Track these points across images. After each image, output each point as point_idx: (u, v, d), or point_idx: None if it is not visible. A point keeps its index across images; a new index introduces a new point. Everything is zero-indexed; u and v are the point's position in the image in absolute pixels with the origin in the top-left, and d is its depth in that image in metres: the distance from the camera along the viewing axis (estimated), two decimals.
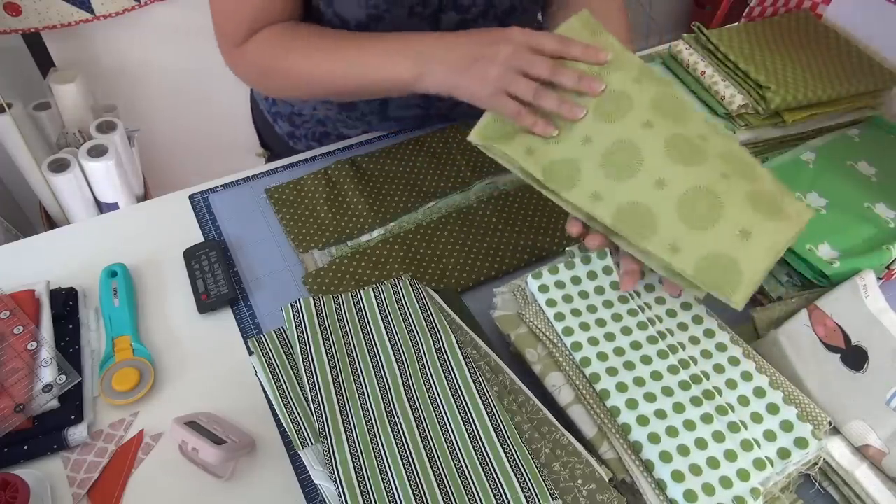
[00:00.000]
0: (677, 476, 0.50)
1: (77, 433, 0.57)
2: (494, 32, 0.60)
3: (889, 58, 0.86)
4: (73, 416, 0.57)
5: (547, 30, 0.80)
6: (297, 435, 0.52)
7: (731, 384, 0.56)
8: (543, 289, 0.61)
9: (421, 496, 0.48)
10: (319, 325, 0.58)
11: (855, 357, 0.59)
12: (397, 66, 0.62)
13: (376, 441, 0.51)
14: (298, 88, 0.73)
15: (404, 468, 0.49)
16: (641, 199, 0.54)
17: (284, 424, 0.53)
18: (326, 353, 0.56)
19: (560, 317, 0.59)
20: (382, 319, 0.59)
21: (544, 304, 0.60)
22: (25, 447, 0.55)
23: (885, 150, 0.79)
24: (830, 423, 0.55)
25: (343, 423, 0.52)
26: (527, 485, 0.48)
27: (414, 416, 0.53)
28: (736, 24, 0.94)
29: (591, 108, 0.58)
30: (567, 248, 0.66)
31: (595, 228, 0.56)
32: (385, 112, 0.84)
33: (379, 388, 0.54)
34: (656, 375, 0.56)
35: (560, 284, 0.62)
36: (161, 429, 0.59)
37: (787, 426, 0.53)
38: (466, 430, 0.51)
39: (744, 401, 0.55)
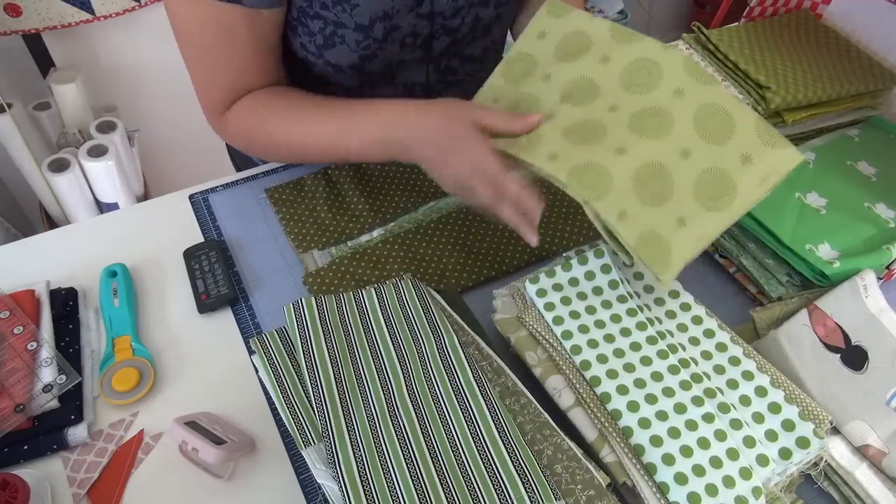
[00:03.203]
0: (680, 478, 0.50)
1: (77, 433, 0.57)
2: (452, 144, 0.59)
3: (889, 58, 0.86)
4: (73, 416, 0.57)
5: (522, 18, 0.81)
6: (300, 434, 0.52)
7: (733, 384, 0.56)
8: (541, 293, 0.61)
9: (424, 495, 0.48)
10: (321, 324, 0.58)
11: (855, 357, 0.59)
12: (376, 153, 0.64)
13: (379, 440, 0.51)
14: (281, 156, 0.75)
15: (407, 467, 0.49)
16: (599, 160, 0.56)
17: (287, 423, 0.53)
18: (328, 352, 0.56)
19: (559, 320, 0.59)
20: (384, 319, 0.59)
21: (542, 308, 0.60)
22: (25, 447, 0.55)
23: (885, 150, 0.79)
24: (831, 422, 0.54)
25: (346, 423, 0.52)
26: (530, 485, 0.48)
27: (417, 416, 0.53)
28: (736, 24, 0.94)
29: (560, 95, 0.61)
30: (565, 254, 0.66)
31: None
32: None
33: (381, 387, 0.54)
34: (657, 376, 0.56)
35: (558, 287, 0.62)
36: (161, 429, 0.59)
37: (788, 425, 0.53)
38: (469, 429, 0.51)
39: (745, 400, 0.55)
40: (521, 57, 0.65)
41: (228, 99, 0.68)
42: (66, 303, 0.65)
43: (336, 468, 0.49)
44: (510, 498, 0.47)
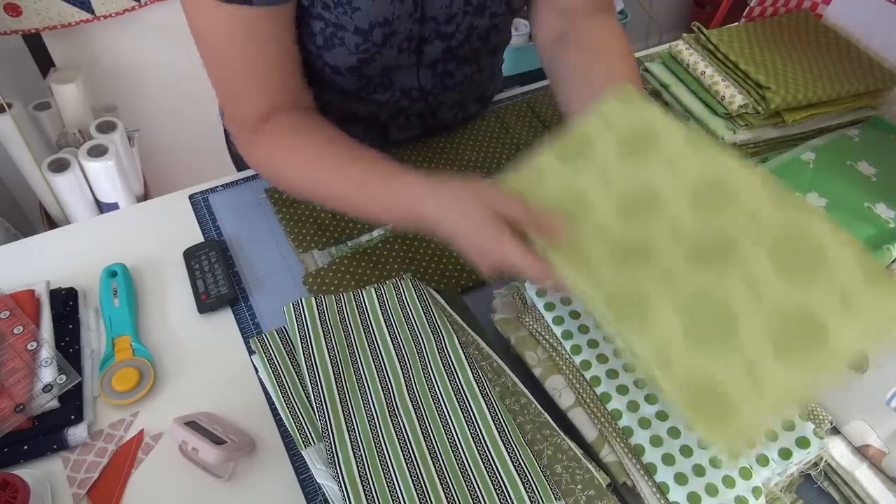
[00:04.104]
0: (680, 478, 0.50)
1: (77, 433, 0.57)
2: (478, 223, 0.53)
3: (889, 58, 0.86)
4: (73, 416, 0.57)
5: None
6: (300, 434, 0.52)
7: None
8: (541, 293, 0.61)
9: (424, 495, 0.48)
10: (321, 324, 0.58)
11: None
12: (403, 222, 0.60)
13: (379, 440, 0.51)
14: (300, 194, 0.71)
15: (407, 467, 0.49)
16: (643, 285, 0.47)
17: (287, 423, 0.53)
18: (328, 352, 0.56)
19: (559, 320, 0.59)
20: (384, 319, 0.59)
21: (543, 309, 0.60)
22: (25, 447, 0.55)
23: (885, 150, 0.79)
24: (831, 422, 0.54)
25: (346, 423, 0.52)
26: (530, 485, 0.48)
27: (416, 416, 0.53)
28: (736, 24, 0.94)
29: (616, 204, 0.53)
30: None
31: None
32: (386, 137, 0.84)
33: (381, 387, 0.54)
34: None
35: None
36: (161, 429, 0.59)
37: (788, 425, 0.53)
38: (469, 429, 0.51)
39: None
40: (579, 137, 0.57)
41: (255, 111, 0.65)
42: (66, 303, 0.65)
43: (336, 468, 0.49)
44: (510, 498, 0.47)
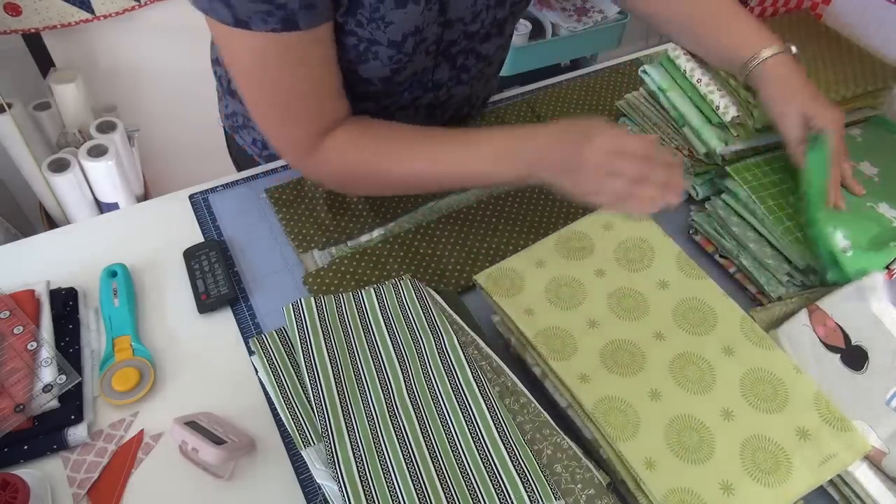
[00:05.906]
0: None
1: (77, 433, 0.57)
2: (581, 136, 0.60)
3: (889, 57, 0.85)
4: (73, 416, 0.57)
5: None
6: (299, 434, 0.52)
7: None
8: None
9: (424, 495, 0.48)
10: (321, 324, 0.58)
11: (855, 357, 0.59)
12: (505, 170, 0.64)
13: (379, 440, 0.51)
14: (391, 190, 0.72)
15: (407, 468, 0.49)
16: (631, 401, 0.53)
17: (286, 424, 0.53)
18: (328, 352, 0.56)
19: None
20: (384, 319, 0.59)
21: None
22: (25, 447, 0.55)
23: (887, 150, 0.79)
24: None
25: (345, 423, 0.52)
26: (530, 485, 0.48)
27: (416, 416, 0.53)
28: None
29: (606, 295, 0.60)
30: None
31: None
32: None
33: (381, 387, 0.54)
34: None
35: None
36: (161, 429, 0.59)
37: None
38: (469, 429, 0.51)
39: None
40: (579, 235, 0.64)
41: (313, 130, 0.65)
42: (66, 303, 0.65)
43: (336, 468, 0.49)
44: (510, 498, 0.47)
